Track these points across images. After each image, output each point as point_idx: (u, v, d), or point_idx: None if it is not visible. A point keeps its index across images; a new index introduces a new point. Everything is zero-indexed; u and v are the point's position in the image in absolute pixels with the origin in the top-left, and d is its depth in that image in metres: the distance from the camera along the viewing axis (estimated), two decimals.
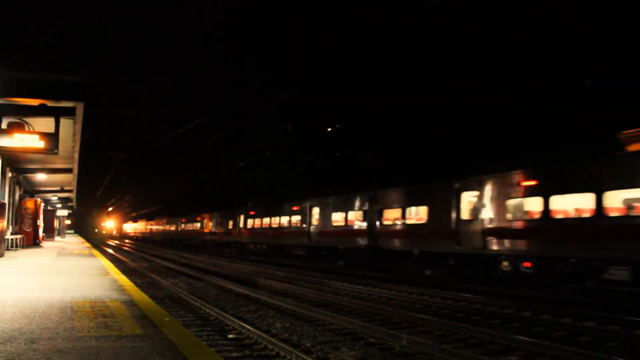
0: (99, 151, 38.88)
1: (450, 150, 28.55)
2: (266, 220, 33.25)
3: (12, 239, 25.14)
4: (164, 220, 66.25)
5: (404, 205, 20.01)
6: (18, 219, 29.79)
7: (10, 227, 25.88)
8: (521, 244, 15.15)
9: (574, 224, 13.87)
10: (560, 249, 13.87)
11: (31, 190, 33.74)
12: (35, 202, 31.40)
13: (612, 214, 12.93)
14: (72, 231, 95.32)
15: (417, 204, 19.58)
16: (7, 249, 22.68)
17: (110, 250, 42.00)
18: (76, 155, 19.21)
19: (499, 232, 15.74)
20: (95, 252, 27.56)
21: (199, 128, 30.36)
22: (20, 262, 17.27)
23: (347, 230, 23.32)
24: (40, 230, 34.11)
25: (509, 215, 15.63)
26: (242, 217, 37.34)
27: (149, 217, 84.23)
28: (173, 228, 59.93)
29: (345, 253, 23.82)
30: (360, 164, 34.02)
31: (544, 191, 14.52)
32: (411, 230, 19.36)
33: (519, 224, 15.36)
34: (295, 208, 28.79)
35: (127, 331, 5.96)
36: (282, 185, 39.89)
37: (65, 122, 13.07)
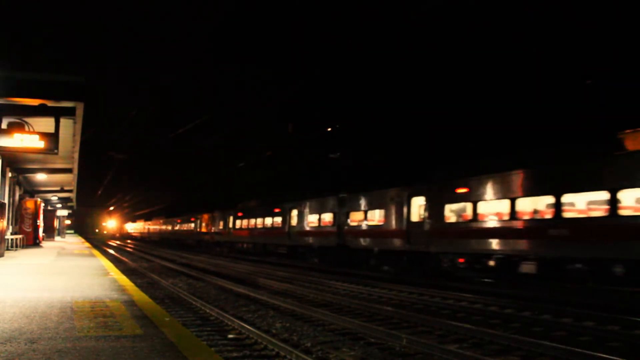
0: (99, 151, 38.94)
1: (410, 157, 30.84)
2: (252, 222, 35.47)
3: (12, 239, 25.14)
4: (161, 221, 69.95)
5: (366, 209, 22.49)
6: (18, 219, 29.79)
7: (10, 227, 25.88)
8: (456, 243, 17.41)
9: (494, 225, 16.22)
10: (485, 246, 16.22)
11: (31, 190, 33.74)
12: (35, 202, 31.41)
13: (523, 217, 15.40)
14: (72, 231, 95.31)
15: (377, 208, 21.84)
16: (7, 249, 22.69)
17: (111, 251, 42.00)
18: (76, 155, 19.21)
19: (440, 233, 18.03)
20: (95, 252, 27.56)
21: (199, 128, 30.39)
22: (20, 262, 17.27)
23: (320, 230, 25.85)
24: (40, 230, 34.12)
25: (447, 218, 17.94)
26: (231, 218, 39.55)
27: (147, 218, 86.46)
28: (169, 228, 63.41)
29: (319, 251, 26.21)
30: (335, 168, 35.91)
31: (473, 198, 16.88)
32: (372, 231, 21.89)
33: (454, 226, 17.74)
34: (277, 210, 30.94)
35: (127, 331, 5.96)
36: (275, 186, 41.33)
37: (65, 122, 13.07)
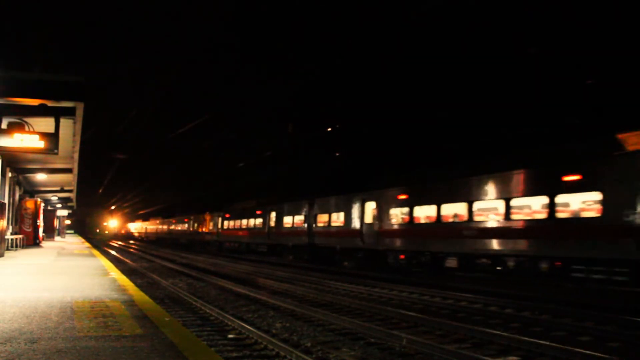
0: (99, 151, 38.95)
1: (379, 164, 33.65)
2: (237, 223, 38.97)
3: (12, 239, 25.14)
4: (158, 221, 72.95)
5: (330, 212, 25.74)
6: (18, 219, 29.78)
7: (10, 227, 25.87)
8: (398, 242, 20.65)
9: (426, 227, 19.29)
10: (420, 245, 19.35)
11: (31, 190, 33.73)
12: (35, 202, 31.40)
13: (447, 220, 18.44)
14: (72, 231, 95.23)
15: (339, 211, 24.99)
16: (7, 249, 22.69)
17: (112, 252, 41.99)
18: (76, 155, 19.20)
19: (386, 233, 21.23)
20: (95, 252, 27.56)
21: (199, 128, 30.39)
22: (20, 262, 17.27)
23: (294, 230, 29.16)
24: (40, 230, 34.11)
25: (392, 220, 21.03)
26: (220, 219, 43.28)
27: (144, 218, 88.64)
28: (165, 228, 66.55)
29: (293, 249, 29.59)
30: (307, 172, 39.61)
31: (410, 203, 20.11)
32: (334, 231, 25.21)
33: (396, 227, 20.82)
34: (258, 212, 34.55)
35: (127, 331, 5.96)
36: (270, 188, 43.20)
37: (65, 122, 13.06)
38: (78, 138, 15.82)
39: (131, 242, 77.19)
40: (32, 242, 30.45)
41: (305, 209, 27.91)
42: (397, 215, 20.83)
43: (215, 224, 44.53)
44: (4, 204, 19.92)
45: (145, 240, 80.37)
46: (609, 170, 13.40)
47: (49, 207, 43.98)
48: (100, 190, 65.85)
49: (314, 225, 27.01)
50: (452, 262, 17.81)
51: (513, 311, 11.38)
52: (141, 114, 27.42)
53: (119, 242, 71.72)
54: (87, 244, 40.91)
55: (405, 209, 20.22)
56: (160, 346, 5.28)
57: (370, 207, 22.26)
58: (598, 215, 13.42)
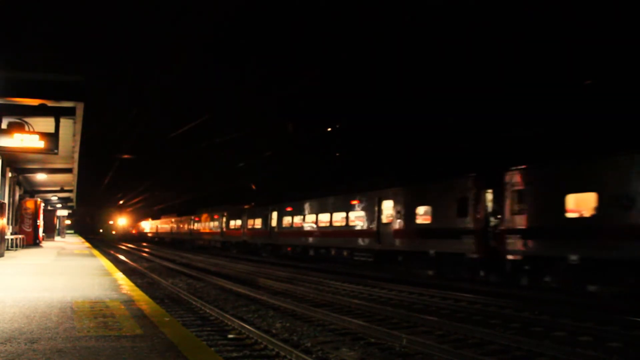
0: (102, 148, 38.98)
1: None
2: (216, 224, 45.27)
3: (12, 239, 25.13)
4: (172, 219, 70.74)
5: (266, 216, 33.83)
6: (18, 219, 29.78)
7: (10, 227, 25.87)
8: (287, 239, 30.90)
9: (305, 229, 28.34)
10: (301, 241, 29.14)
11: (31, 190, 33.74)
12: (35, 202, 31.39)
13: (319, 225, 27.52)
14: (72, 231, 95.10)
15: (259, 217, 35.07)
16: (7, 249, 22.68)
17: (111, 251, 41.98)
18: (76, 155, 19.20)
19: (281, 234, 31.83)
20: (96, 252, 27.56)
21: (200, 128, 30.40)
22: (20, 262, 17.27)
23: (260, 231, 35.31)
24: (40, 230, 34.10)
25: (283, 224, 31.48)
26: (275, 214, 46.00)
27: (155, 216, 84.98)
28: (185, 227, 64.50)
29: (262, 247, 35.52)
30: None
31: (295, 214, 29.86)
32: (258, 232, 35.34)
33: (286, 229, 31.06)
34: (226, 213, 42.77)
35: (127, 331, 5.96)
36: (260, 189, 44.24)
37: (65, 122, 13.06)
38: (78, 138, 15.81)
39: (128, 242, 73.91)
40: (32, 242, 30.44)
41: (267, 214, 34.51)
42: (285, 221, 31.04)
43: (266, 221, 35.67)
44: (4, 204, 19.91)
45: (158, 242, 70.75)
46: (368, 198, 22.95)
47: (49, 207, 43.97)
48: (106, 182, 60.93)
49: (275, 227, 33.48)
50: (362, 256, 23.49)
51: (513, 311, 11.38)
52: (142, 114, 27.43)
53: (129, 245, 59.97)
54: (87, 244, 40.90)
55: (291, 217, 30.28)
56: (160, 346, 5.28)
57: (275, 215, 32.70)
58: (363, 224, 23.23)
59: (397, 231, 20.56)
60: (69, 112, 12.36)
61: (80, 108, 12.25)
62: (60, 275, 12.69)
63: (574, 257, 13.57)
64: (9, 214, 23.76)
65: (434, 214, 18.74)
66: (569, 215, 14.02)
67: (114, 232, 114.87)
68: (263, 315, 11.16)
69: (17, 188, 28.21)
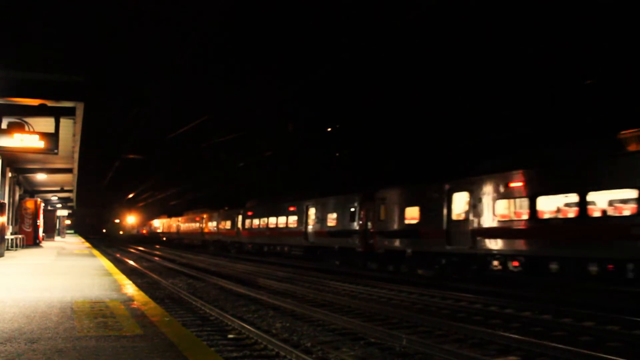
0: (106, 145, 39.00)
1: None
2: (201, 225, 50.71)
3: (12, 239, 25.12)
4: (203, 216, 73.98)
5: (233, 219, 39.87)
6: (18, 219, 29.77)
7: (10, 227, 25.86)
8: (248, 237, 37.13)
9: (283, 230, 31.03)
10: (257, 240, 35.27)
11: (31, 190, 33.73)
12: (35, 202, 31.38)
13: (268, 226, 33.63)
14: (72, 231, 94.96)
15: (229, 219, 41.05)
16: (7, 249, 22.67)
17: (110, 251, 41.95)
18: (76, 156, 19.20)
19: (244, 233, 37.93)
20: (96, 252, 27.56)
21: (200, 128, 30.39)
22: (20, 262, 17.27)
23: (230, 231, 40.90)
24: (40, 230, 34.09)
25: (246, 225, 37.19)
26: (179, 221, 58.95)
27: (150, 216, 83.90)
28: (214, 226, 67.36)
29: (230, 245, 41.11)
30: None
31: (254, 217, 35.89)
32: (227, 232, 41.70)
33: (247, 230, 37.23)
34: (205, 216, 49.05)
35: (127, 331, 5.96)
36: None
37: (65, 122, 13.06)
38: (78, 138, 15.82)
39: (127, 242, 73.96)
40: (32, 242, 30.43)
41: (235, 216, 39.85)
42: (249, 223, 36.80)
43: (233, 223, 39.85)
44: (4, 203, 19.91)
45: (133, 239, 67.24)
46: (300, 206, 28.90)
47: (49, 207, 43.95)
48: (109, 177, 58.22)
49: (241, 228, 38.85)
50: (265, 248, 33.53)
51: (513, 311, 11.38)
52: (142, 113, 27.43)
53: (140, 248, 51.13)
54: (88, 244, 40.89)
55: (253, 219, 35.98)
56: (160, 346, 5.28)
57: (240, 218, 38.32)
58: (297, 226, 28.92)
59: (317, 232, 26.94)
60: (69, 112, 12.36)
61: (80, 108, 12.25)
62: (60, 275, 12.69)
63: (409, 250, 19.58)
64: (9, 214, 23.75)
65: (337, 220, 25.12)
66: (407, 222, 19.87)
67: (121, 232, 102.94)
68: (263, 315, 11.16)
69: (17, 188, 28.21)
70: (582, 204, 13.38)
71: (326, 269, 23.43)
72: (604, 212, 13.24)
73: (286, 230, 30.51)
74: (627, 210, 12.73)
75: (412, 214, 19.61)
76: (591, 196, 13.41)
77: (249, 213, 36.56)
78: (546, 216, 14.64)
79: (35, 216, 31.08)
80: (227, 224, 41.42)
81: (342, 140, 32.06)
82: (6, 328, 5.99)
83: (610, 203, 13.43)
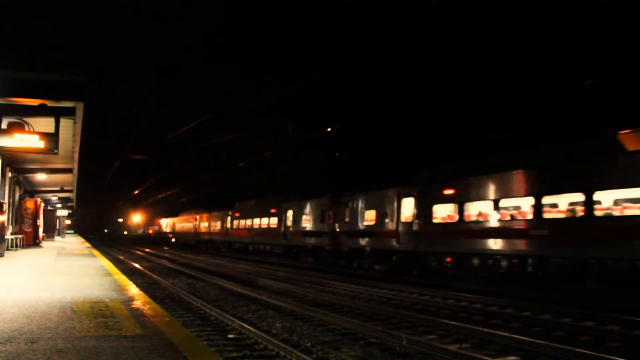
0: (106, 144, 39.03)
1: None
2: (189, 225, 55.19)
3: (12, 239, 25.12)
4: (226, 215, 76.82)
5: (239, 219, 39.90)
6: (18, 219, 29.77)
7: (10, 227, 25.86)
8: (216, 236, 45.15)
9: (266, 230, 33.73)
10: (265, 240, 34.20)
11: (31, 190, 33.72)
12: (35, 202, 31.38)
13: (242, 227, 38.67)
14: (72, 231, 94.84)
15: (239, 219, 39.59)
16: (7, 249, 22.67)
17: (110, 251, 41.93)
18: (76, 156, 19.20)
19: (211, 234, 46.37)
20: (96, 252, 27.56)
21: (200, 128, 30.39)
22: (20, 262, 17.27)
23: (220, 231, 43.78)
24: (40, 230, 34.08)
25: (211, 227, 46.12)
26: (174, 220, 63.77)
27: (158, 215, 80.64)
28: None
29: (220, 244, 44.34)
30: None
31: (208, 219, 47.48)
32: (215, 232, 45.20)
33: (259, 230, 36.33)
34: (191, 218, 54.24)
35: (127, 331, 5.96)
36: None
37: (65, 122, 13.06)
38: (78, 138, 15.82)
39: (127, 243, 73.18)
40: (32, 242, 30.42)
41: (224, 217, 43.28)
42: (235, 224, 39.93)
43: (223, 223, 43.39)
44: (4, 204, 19.91)
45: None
46: (279, 208, 31.55)
47: (49, 207, 43.95)
48: (113, 170, 56.74)
49: (228, 228, 42.32)
50: (276, 251, 32.31)
51: (513, 311, 11.38)
52: (142, 113, 27.43)
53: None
54: (88, 244, 40.89)
55: (236, 221, 39.56)
56: (160, 346, 5.28)
57: (228, 219, 41.38)
58: (277, 227, 31.67)
59: (294, 232, 29.47)
60: (69, 112, 12.36)
61: (80, 108, 12.25)
62: (60, 275, 12.69)
63: (368, 249, 22.28)
64: (9, 214, 23.75)
65: (311, 221, 27.61)
66: (366, 223, 22.49)
67: (126, 233, 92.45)
68: (263, 315, 11.16)
69: (17, 188, 28.20)
70: (494, 210, 16.00)
71: (325, 269, 23.44)
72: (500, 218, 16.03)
73: (268, 231, 33.15)
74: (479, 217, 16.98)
75: (370, 217, 22.13)
76: (487, 204, 16.39)
77: (237, 214, 39.42)
78: (472, 219, 16.95)
79: (35, 216, 31.07)
80: (218, 225, 44.30)
81: (342, 140, 32.10)
82: (6, 328, 5.99)
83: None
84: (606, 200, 13.57)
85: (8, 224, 23.58)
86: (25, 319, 6.60)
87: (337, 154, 33.64)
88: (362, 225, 22.65)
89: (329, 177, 37.29)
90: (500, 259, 15.64)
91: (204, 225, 49.09)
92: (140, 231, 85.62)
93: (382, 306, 11.98)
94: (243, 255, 35.58)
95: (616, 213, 13.24)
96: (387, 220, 20.82)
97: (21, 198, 30.63)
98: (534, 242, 14.63)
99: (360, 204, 22.95)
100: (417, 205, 19.12)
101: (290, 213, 30.10)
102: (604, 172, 13.15)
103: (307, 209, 28.08)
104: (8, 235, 23.39)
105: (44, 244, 34.96)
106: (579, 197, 13.76)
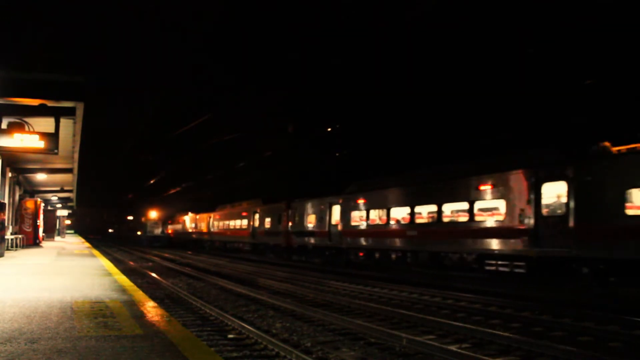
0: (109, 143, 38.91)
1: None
2: (179, 226, 60.24)
3: (12, 239, 25.12)
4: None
5: (220, 220, 44.55)
6: (18, 219, 29.77)
7: (10, 227, 25.85)
8: (185, 235, 57.05)
9: (237, 230, 39.28)
10: (237, 239, 39.71)
11: (31, 190, 33.72)
12: (35, 202, 31.38)
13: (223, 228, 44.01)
14: (72, 231, 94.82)
15: (220, 220, 44.13)
16: (7, 249, 22.67)
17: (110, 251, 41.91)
18: (76, 156, 19.19)
19: (194, 233, 53.00)
20: (96, 252, 27.56)
21: (200, 127, 30.39)
22: (20, 262, 17.27)
23: (204, 231, 48.47)
24: (40, 230, 34.08)
25: (189, 229, 55.04)
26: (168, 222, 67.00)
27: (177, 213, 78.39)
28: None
29: (204, 242, 48.63)
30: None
31: (187, 223, 56.38)
32: (223, 231, 44.93)
33: (233, 230, 41.00)
34: (181, 219, 58.51)
35: (127, 331, 5.96)
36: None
37: (65, 122, 13.06)
38: (78, 138, 15.82)
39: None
40: (32, 242, 30.43)
41: (208, 218, 47.65)
42: (215, 224, 45.02)
43: (207, 224, 48.41)
44: (4, 203, 19.91)
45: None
46: (249, 211, 36.44)
47: (49, 207, 43.95)
48: (109, 176, 54.87)
49: (212, 229, 47.19)
50: (227, 245, 40.82)
51: (513, 311, 11.37)
52: (143, 113, 27.40)
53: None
54: (88, 244, 40.87)
55: (217, 221, 44.49)
56: (160, 346, 5.28)
57: (211, 219, 45.72)
58: (247, 228, 36.83)
59: (259, 232, 34.86)
60: (69, 112, 12.37)
61: (80, 108, 12.26)
62: (60, 275, 12.69)
63: (310, 246, 27.81)
64: (9, 214, 23.74)
65: (271, 223, 32.88)
66: (309, 224, 27.97)
67: (139, 233, 76.61)
68: (263, 315, 11.16)
69: (17, 188, 28.20)
70: (386, 216, 21.36)
71: (325, 269, 23.47)
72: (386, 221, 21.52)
73: (240, 231, 38.55)
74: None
75: (312, 220, 27.53)
76: (383, 212, 21.76)
77: (217, 216, 44.65)
78: (375, 223, 22.26)
79: (35, 216, 31.08)
80: (204, 225, 48.89)
81: (341, 140, 32.08)
82: (6, 328, 5.99)
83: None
84: (447, 210, 18.61)
85: (8, 224, 23.58)
86: (25, 319, 6.60)
87: (337, 154, 33.63)
88: (307, 227, 27.96)
89: (329, 177, 37.16)
90: (391, 253, 20.95)
91: (191, 225, 54.50)
92: (158, 231, 68.33)
93: (382, 306, 11.97)
94: (220, 252, 41.24)
95: (453, 219, 18.44)
96: (323, 223, 26.36)
97: (21, 198, 30.64)
98: (409, 241, 19.84)
99: (306, 209, 28.16)
100: (342, 211, 24.51)
101: (257, 216, 35.51)
102: (448, 190, 18.27)
103: (269, 212, 33.36)
104: (8, 235, 23.39)
105: (44, 244, 34.96)
106: (434, 208, 18.80)
